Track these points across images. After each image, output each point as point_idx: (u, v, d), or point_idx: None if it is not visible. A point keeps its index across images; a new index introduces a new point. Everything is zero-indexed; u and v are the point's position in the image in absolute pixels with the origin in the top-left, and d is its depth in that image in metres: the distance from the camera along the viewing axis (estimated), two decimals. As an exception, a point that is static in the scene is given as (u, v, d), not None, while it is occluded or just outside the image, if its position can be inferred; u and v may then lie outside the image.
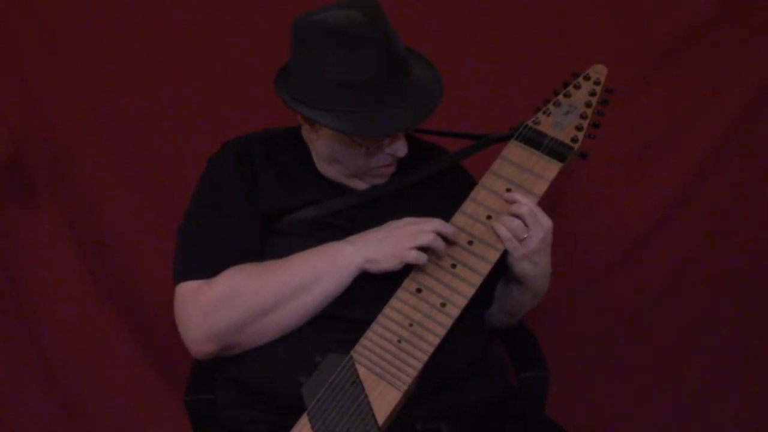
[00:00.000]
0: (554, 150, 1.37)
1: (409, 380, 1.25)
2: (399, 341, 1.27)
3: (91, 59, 1.83)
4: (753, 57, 1.89)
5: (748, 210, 1.98)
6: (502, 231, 1.31)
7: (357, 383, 1.25)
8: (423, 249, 1.29)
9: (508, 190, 1.34)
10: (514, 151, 1.38)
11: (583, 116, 1.39)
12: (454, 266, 1.31)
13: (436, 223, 1.30)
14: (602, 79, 1.42)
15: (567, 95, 1.42)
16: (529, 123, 1.41)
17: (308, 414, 1.24)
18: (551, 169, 1.35)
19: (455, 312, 1.28)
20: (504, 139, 1.42)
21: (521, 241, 1.31)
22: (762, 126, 1.93)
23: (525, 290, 1.42)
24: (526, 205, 1.31)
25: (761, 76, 1.90)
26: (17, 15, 1.79)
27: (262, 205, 1.41)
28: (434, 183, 1.48)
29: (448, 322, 1.27)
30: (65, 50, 1.82)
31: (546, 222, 1.32)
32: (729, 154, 1.93)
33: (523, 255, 1.32)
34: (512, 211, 1.31)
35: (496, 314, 1.52)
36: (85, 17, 1.81)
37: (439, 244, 1.29)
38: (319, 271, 1.32)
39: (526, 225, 1.30)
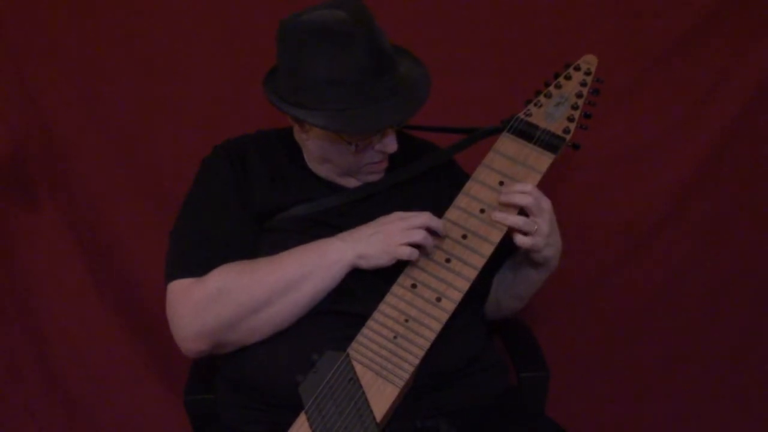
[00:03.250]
0: (546, 142, 1.36)
1: (406, 376, 1.24)
2: (395, 337, 1.27)
3: (90, 60, 1.85)
4: (753, 57, 1.89)
5: (748, 210, 1.98)
6: (521, 239, 1.30)
7: (354, 380, 1.25)
8: (414, 245, 1.29)
9: (501, 183, 1.34)
10: (506, 143, 1.37)
11: (574, 107, 1.39)
12: (448, 261, 1.30)
13: (425, 218, 1.30)
14: (593, 69, 1.42)
15: (558, 86, 1.42)
16: (521, 115, 1.40)
17: (306, 413, 1.24)
18: (544, 161, 1.35)
19: (451, 306, 1.27)
20: (496, 132, 1.41)
21: (534, 232, 1.30)
22: (762, 125, 1.93)
23: (545, 270, 1.42)
24: (528, 194, 1.30)
25: (761, 76, 1.90)
26: (17, 16, 1.80)
27: (254, 204, 1.41)
28: (426, 179, 1.48)
29: (444, 317, 1.27)
30: (65, 51, 1.83)
31: (546, 204, 1.32)
32: (729, 153, 1.93)
33: (543, 244, 1.32)
34: (516, 202, 1.30)
35: (505, 301, 1.51)
36: (84, 18, 1.83)
37: (429, 242, 1.29)
38: (310, 268, 1.31)
39: (533, 213, 1.30)
